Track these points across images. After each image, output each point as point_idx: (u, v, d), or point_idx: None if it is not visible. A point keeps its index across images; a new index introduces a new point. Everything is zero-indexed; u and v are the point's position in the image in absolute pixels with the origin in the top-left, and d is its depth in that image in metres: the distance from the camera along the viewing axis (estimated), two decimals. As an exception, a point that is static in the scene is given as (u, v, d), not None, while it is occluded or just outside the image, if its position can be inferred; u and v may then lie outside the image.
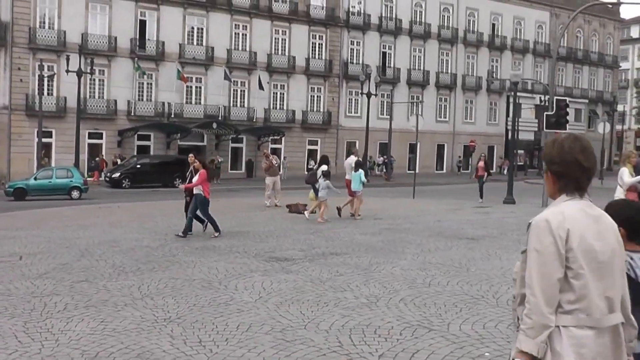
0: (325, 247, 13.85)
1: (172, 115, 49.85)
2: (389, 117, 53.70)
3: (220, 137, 51.77)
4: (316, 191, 20.69)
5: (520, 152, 69.62)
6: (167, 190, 38.72)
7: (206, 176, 15.57)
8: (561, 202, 2.91)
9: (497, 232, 16.83)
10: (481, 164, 27.50)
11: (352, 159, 21.55)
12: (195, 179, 15.59)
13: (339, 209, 20.46)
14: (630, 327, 2.95)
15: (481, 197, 26.50)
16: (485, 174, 27.18)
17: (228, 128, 50.25)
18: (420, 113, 51.06)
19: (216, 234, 15.47)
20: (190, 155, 16.35)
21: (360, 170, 20.42)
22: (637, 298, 3.14)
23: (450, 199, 26.48)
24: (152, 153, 48.14)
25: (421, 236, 15.71)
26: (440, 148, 64.76)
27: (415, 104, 61.70)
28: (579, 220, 2.83)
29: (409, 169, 59.66)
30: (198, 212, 15.83)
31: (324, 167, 20.35)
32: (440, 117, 65.60)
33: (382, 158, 58.29)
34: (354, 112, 59.42)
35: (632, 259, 3.35)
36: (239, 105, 53.68)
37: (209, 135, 51.33)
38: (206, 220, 15.98)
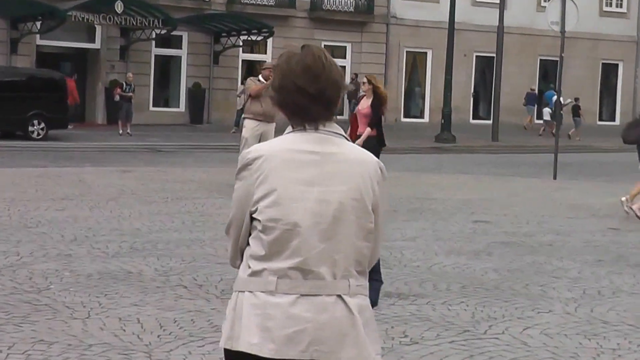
0: (374, 279, 13.74)
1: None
2: (498, 2, 53.70)
3: (132, 33, 52.21)
4: None
5: None
6: (16, 144, 39.29)
7: None
8: (284, 135, 4.63)
9: None
10: (365, 106, 21.68)
11: None
12: None
13: None
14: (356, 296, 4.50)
15: None
16: (369, 129, 21.00)
17: (148, 14, 50.54)
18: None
19: None
20: None
21: None
22: None
23: (633, 185, 26.47)
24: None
25: (579, 262, 15.86)
26: (610, 70, 64.93)
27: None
28: (285, 158, 4.45)
29: (537, 119, 59.89)
30: None
31: None
32: (609, 6, 66.01)
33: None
34: (424, -9, 59.95)
35: None
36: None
37: (106, 27, 51.72)
38: None
